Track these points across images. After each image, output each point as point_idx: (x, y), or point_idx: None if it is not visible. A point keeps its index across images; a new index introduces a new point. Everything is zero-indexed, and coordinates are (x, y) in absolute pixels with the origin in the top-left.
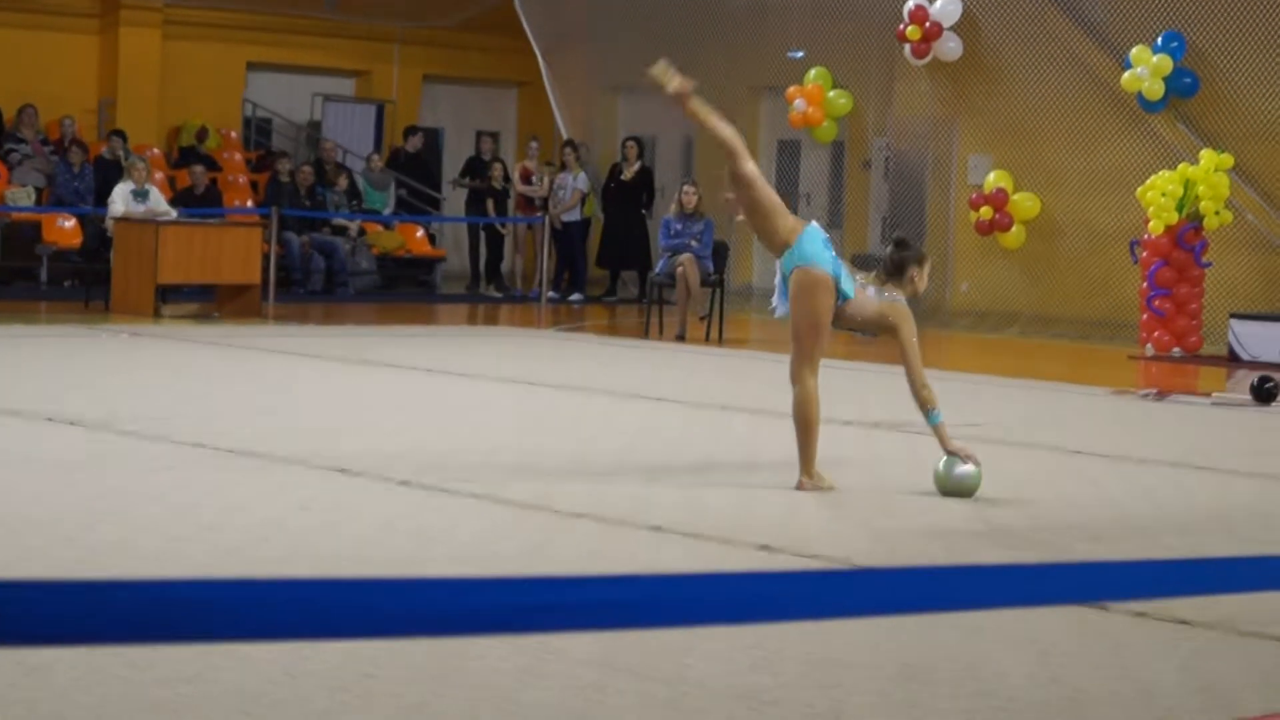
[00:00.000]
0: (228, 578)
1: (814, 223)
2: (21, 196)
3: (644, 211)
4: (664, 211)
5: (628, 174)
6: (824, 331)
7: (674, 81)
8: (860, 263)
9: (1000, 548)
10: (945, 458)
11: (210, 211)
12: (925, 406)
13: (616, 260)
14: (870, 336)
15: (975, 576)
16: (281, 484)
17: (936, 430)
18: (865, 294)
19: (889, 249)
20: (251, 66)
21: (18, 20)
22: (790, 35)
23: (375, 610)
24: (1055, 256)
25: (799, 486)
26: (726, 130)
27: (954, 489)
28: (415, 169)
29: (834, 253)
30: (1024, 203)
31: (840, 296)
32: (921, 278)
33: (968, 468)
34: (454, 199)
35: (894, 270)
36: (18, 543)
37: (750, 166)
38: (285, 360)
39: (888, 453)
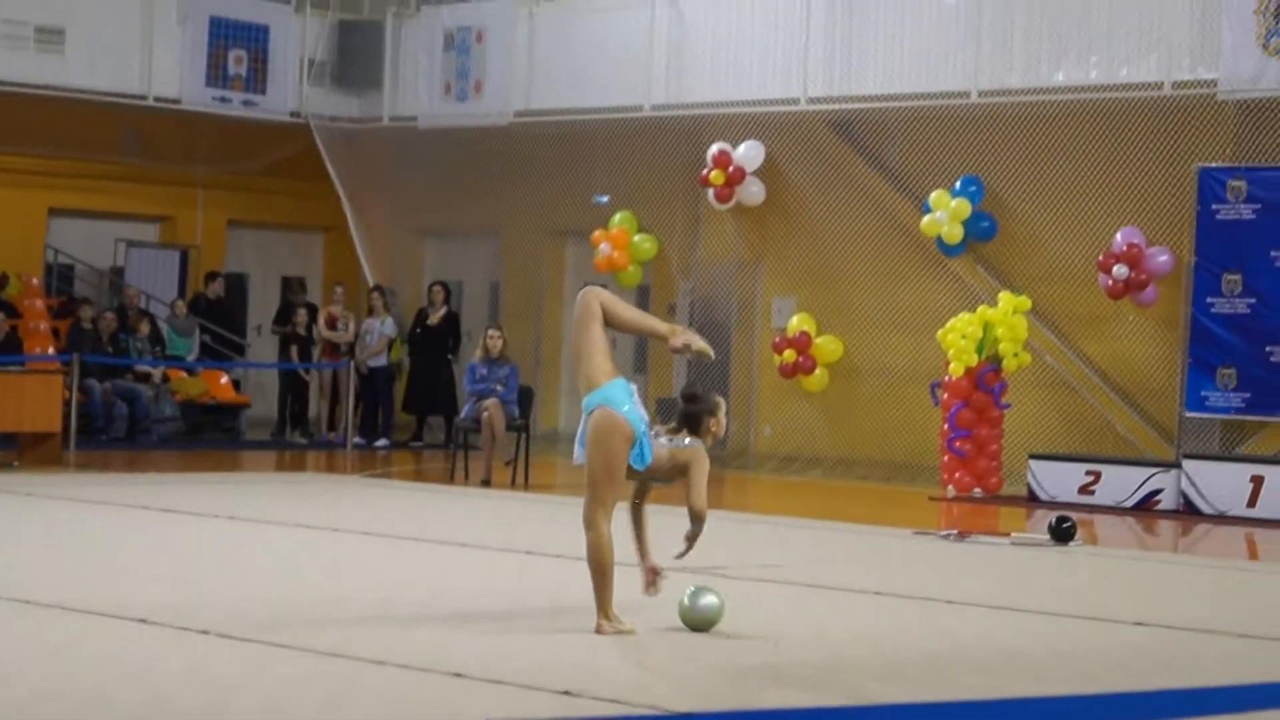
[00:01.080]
0: None
1: (624, 379)
2: None
3: (450, 356)
4: (470, 356)
5: (434, 318)
6: (618, 476)
7: (696, 342)
8: (664, 409)
9: (798, 689)
10: (690, 590)
11: (10, 359)
12: (696, 517)
13: (423, 405)
14: (666, 483)
15: None
16: (78, 636)
17: (690, 534)
18: (658, 443)
19: (681, 405)
20: (53, 212)
21: None
22: (595, 180)
23: None
24: (857, 398)
25: (598, 630)
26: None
27: (697, 621)
28: (218, 315)
29: (640, 411)
30: (827, 345)
31: (639, 458)
32: (719, 424)
33: (710, 600)
34: (263, 345)
35: (690, 425)
36: None
37: (599, 305)
38: (86, 509)
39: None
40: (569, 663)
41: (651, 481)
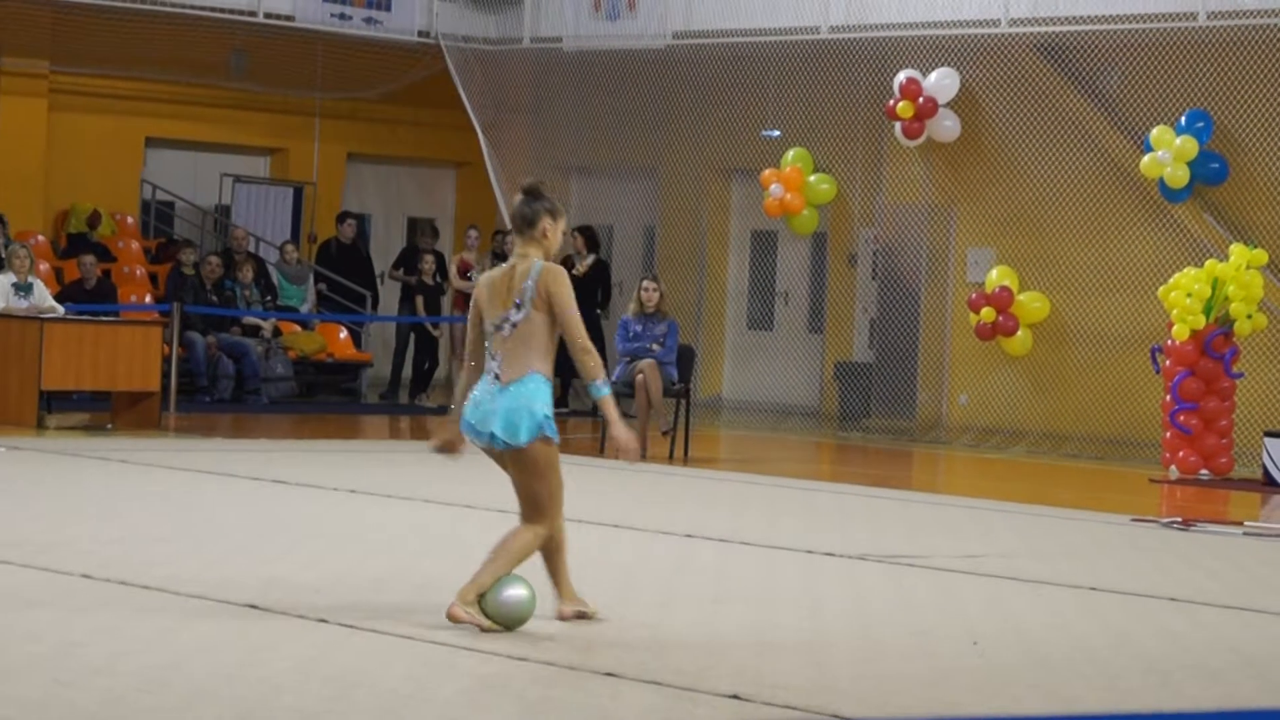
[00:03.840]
0: None
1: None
2: None
3: (599, 311)
4: (622, 311)
5: (580, 268)
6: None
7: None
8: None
9: (997, 696)
10: (501, 581)
11: (103, 308)
12: (590, 376)
13: (567, 366)
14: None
15: None
16: (180, 621)
17: (602, 404)
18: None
19: (518, 199)
20: (151, 143)
21: None
22: (765, 112)
23: None
24: (1066, 365)
25: (559, 616)
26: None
27: (502, 616)
28: (350, 261)
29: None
30: (1030, 303)
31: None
32: (555, 232)
33: (516, 592)
34: (390, 296)
35: (525, 224)
36: None
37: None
38: (188, 479)
39: (875, 589)
40: (735, 662)
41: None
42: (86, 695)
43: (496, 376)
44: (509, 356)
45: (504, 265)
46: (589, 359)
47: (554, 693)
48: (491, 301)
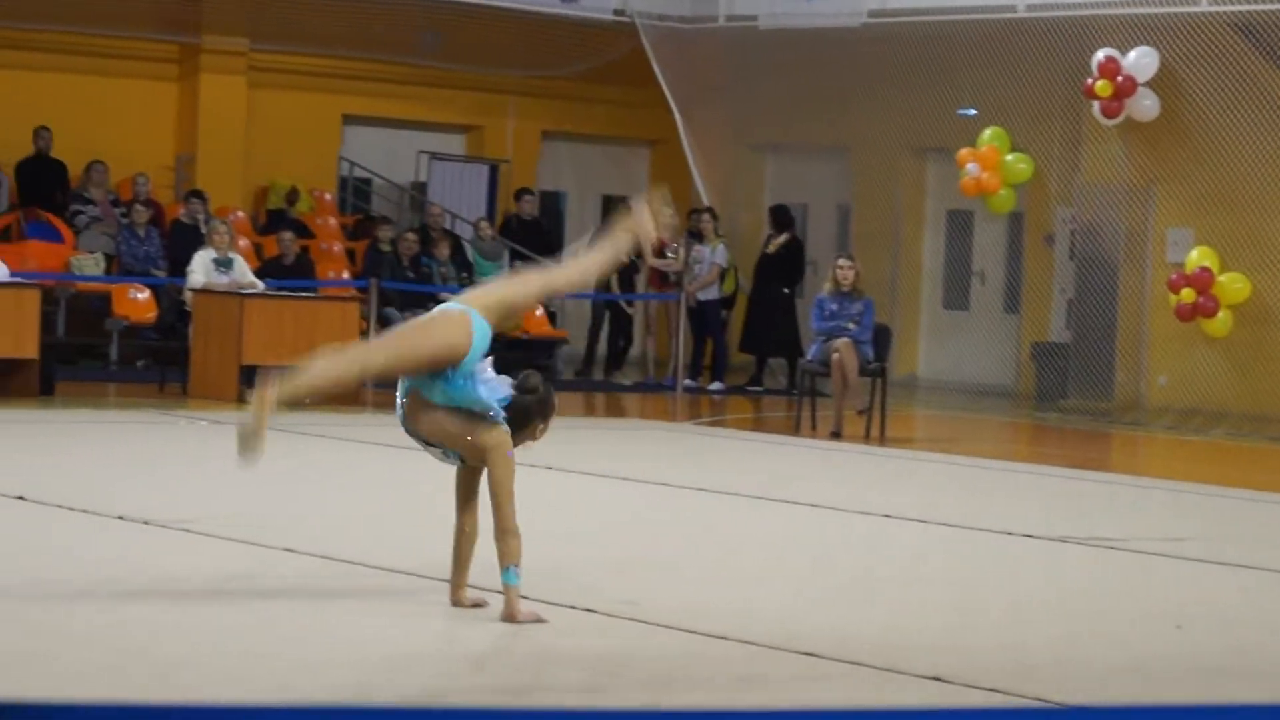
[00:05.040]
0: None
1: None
2: (89, 264)
3: (788, 290)
4: (817, 289)
5: (774, 246)
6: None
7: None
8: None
9: (1206, 683)
10: None
11: (301, 283)
12: (506, 559)
13: (763, 344)
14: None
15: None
16: (389, 601)
17: (507, 590)
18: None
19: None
20: (348, 120)
21: (86, 66)
22: (960, 91)
23: None
24: (1269, 346)
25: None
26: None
27: None
28: (532, 237)
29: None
30: (1231, 284)
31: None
32: (543, 433)
33: None
34: None
35: (516, 420)
36: (85, 658)
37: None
38: (387, 454)
39: (1076, 571)
40: (935, 644)
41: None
42: (285, 664)
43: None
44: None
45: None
46: (513, 541)
47: (754, 671)
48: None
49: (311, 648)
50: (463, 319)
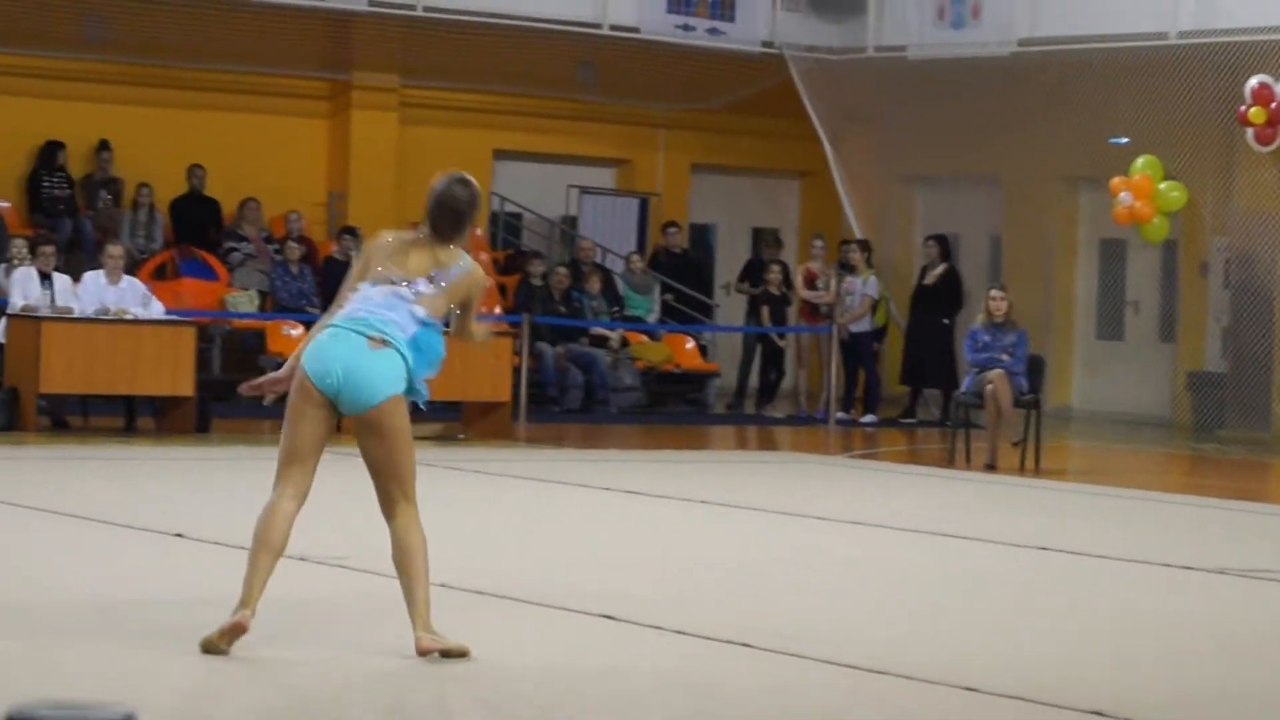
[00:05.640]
0: None
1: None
2: (243, 301)
3: (948, 320)
4: (970, 320)
5: (930, 277)
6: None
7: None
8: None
9: None
10: None
11: None
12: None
13: (918, 376)
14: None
15: None
16: (537, 629)
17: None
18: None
19: (455, 187)
20: (499, 155)
21: (239, 104)
22: (1112, 119)
23: None
24: None
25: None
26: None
27: None
28: (682, 270)
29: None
30: None
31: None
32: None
33: None
34: (732, 305)
35: (452, 225)
36: (267, 701)
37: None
38: (540, 489)
39: (1236, 604)
40: (1095, 678)
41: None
42: (454, 698)
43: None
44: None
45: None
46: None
47: (913, 705)
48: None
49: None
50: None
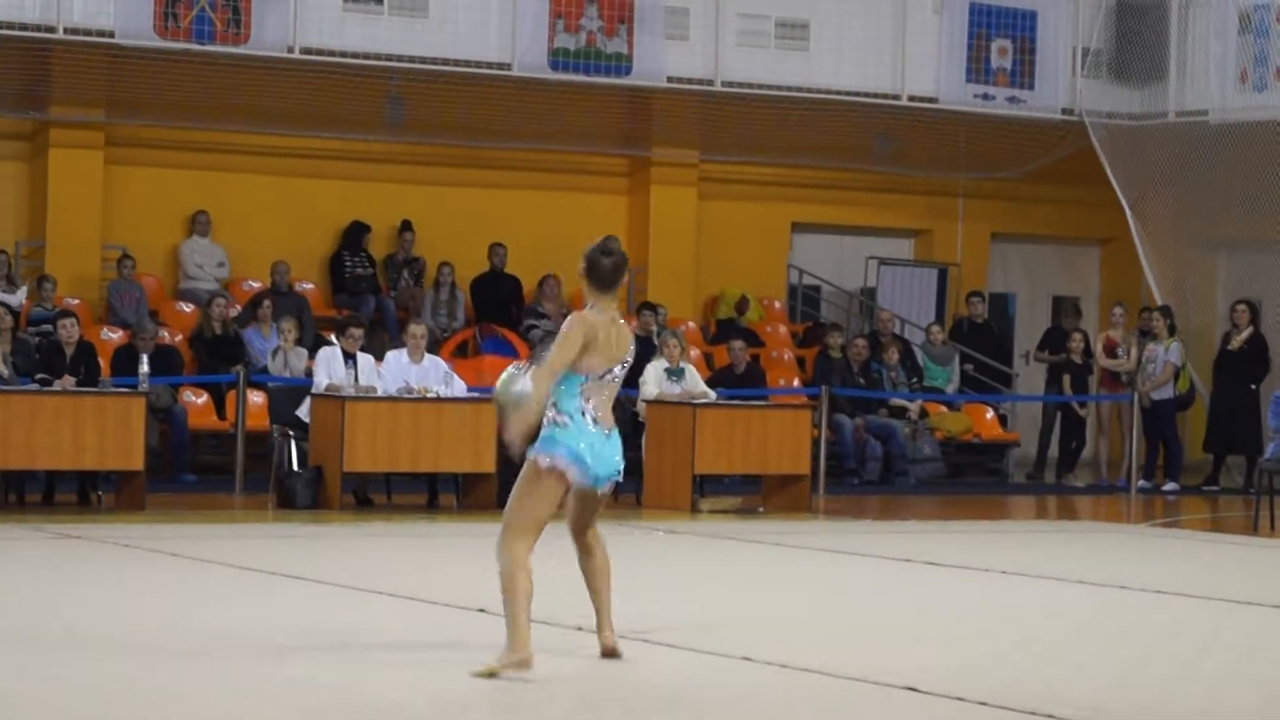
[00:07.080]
0: None
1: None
2: None
3: (1254, 386)
4: (1276, 386)
5: (1235, 343)
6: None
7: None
8: None
9: None
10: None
11: (753, 392)
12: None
13: (1223, 442)
14: None
15: None
16: (843, 703)
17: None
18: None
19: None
20: (797, 227)
21: (539, 181)
22: None
23: None
24: None
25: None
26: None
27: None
28: (982, 340)
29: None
30: None
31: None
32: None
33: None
34: (1031, 374)
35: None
36: None
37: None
38: (839, 560)
39: None
40: None
41: None
42: None
43: (595, 420)
44: (606, 404)
45: (604, 316)
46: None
47: None
48: (605, 350)
49: None
50: None
